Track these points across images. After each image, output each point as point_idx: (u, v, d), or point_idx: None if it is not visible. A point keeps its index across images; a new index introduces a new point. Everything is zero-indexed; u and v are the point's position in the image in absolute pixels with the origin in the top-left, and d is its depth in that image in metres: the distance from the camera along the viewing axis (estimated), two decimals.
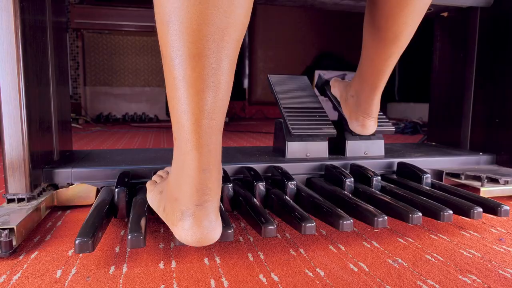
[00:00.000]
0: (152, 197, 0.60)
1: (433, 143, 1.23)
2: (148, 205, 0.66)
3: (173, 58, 0.43)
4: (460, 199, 0.69)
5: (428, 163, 0.95)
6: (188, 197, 0.47)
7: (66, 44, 0.96)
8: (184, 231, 0.48)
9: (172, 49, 0.43)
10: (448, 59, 1.18)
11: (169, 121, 3.18)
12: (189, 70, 0.43)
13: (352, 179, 0.78)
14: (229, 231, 0.53)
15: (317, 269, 0.52)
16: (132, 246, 0.51)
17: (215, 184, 0.49)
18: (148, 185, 0.64)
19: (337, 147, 0.96)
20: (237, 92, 3.70)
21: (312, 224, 0.56)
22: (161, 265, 0.53)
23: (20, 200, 0.69)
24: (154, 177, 0.67)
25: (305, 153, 0.90)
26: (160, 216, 0.56)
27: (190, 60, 0.43)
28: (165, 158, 0.90)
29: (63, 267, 0.52)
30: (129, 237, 0.51)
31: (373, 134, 0.94)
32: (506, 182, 0.87)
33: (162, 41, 0.45)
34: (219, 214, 0.50)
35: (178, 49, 0.43)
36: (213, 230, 0.49)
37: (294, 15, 3.59)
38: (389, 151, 1.02)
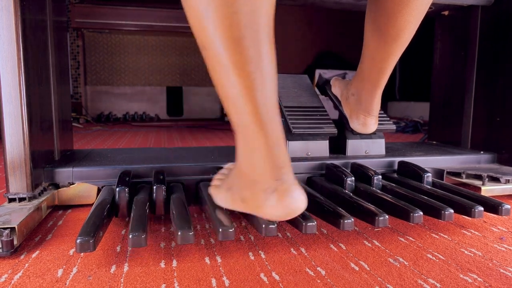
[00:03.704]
0: (222, 197, 0.60)
1: (434, 142, 1.23)
2: (149, 204, 0.66)
3: (217, 48, 0.46)
4: (461, 198, 0.69)
5: (429, 162, 0.95)
6: (267, 175, 0.49)
7: (66, 44, 0.96)
8: (272, 207, 0.49)
9: (214, 38, 0.45)
10: (448, 57, 1.18)
11: (169, 120, 3.19)
12: (235, 55, 0.45)
13: (353, 178, 0.78)
14: (230, 230, 0.53)
15: (318, 268, 0.52)
16: (133, 245, 0.51)
17: (287, 157, 0.51)
18: (212, 190, 0.64)
19: (338, 146, 0.96)
20: None
21: (313, 223, 0.56)
22: (162, 264, 0.53)
23: (21, 199, 0.69)
24: (214, 182, 0.66)
25: (305, 152, 0.90)
26: (238, 209, 0.57)
27: (234, 45, 0.45)
28: (166, 157, 0.90)
29: (64, 266, 0.52)
30: (130, 236, 0.51)
31: (374, 133, 0.94)
32: (507, 181, 0.87)
33: (201, 35, 0.47)
34: (298, 183, 0.51)
35: (220, 37, 0.45)
36: (299, 198, 0.50)
37: (294, 14, 3.59)
38: (390, 150, 1.02)
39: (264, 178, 0.50)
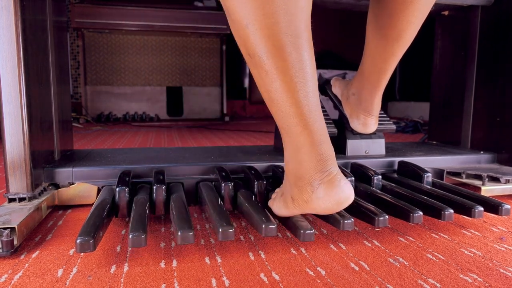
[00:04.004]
0: (278, 206, 0.61)
1: (434, 142, 1.23)
2: (149, 204, 0.66)
3: (261, 55, 0.49)
4: (461, 198, 0.69)
5: (429, 162, 0.95)
6: (312, 168, 0.52)
7: (66, 44, 0.96)
8: (320, 199, 0.51)
9: (258, 47, 0.49)
10: (448, 57, 1.18)
11: (169, 120, 3.19)
12: (279, 61, 0.49)
13: (353, 178, 0.78)
14: (230, 230, 0.53)
15: (318, 268, 0.52)
16: (133, 245, 0.51)
17: (332, 151, 0.54)
18: (270, 203, 0.65)
19: (338, 146, 0.96)
20: (238, 91, 3.70)
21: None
22: (162, 264, 0.53)
23: (21, 199, 0.69)
24: (272, 196, 0.67)
25: None
26: (292, 212, 0.57)
27: (277, 52, 0.48)
28: (166, 157, 0.90)
29: (64, 266, 0.52)
30: (130, 236, 0.51)
31: (374, 133, 0.94)
32: (507, 181, 0.87)
33: (246, 44, 0.50)
34: (343, 175, 0.53)
35: (265, 45, 0.49)
36: (346, 188, 0.51)
37: None
38: (390, 150, 1.02)
39: (309, 173, 0.52)
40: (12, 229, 0.57)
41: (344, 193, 0.52)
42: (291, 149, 0.54)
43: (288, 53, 0.49)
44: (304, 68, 0.50)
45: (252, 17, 0.48)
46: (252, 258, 0.56)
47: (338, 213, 0.59)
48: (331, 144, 0.54)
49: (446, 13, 1.18)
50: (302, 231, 0.55)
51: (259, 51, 0.49)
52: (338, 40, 3.67)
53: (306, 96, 0.50)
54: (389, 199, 0.68)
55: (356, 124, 0.90)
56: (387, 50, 0.74)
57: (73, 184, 0.78)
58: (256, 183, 0.71)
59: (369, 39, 0.78)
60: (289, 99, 0.50)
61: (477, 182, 0.88)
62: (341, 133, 0.94)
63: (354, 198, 0.66)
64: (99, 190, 0.78)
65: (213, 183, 0.78)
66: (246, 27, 0.49)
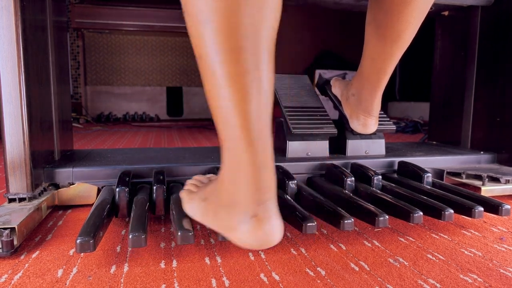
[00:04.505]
0: (194, 207, 0.56)
1: (434, 142, 1.23)
2: (149, 204, 0.66)
3: (213, 57, 0.43)
4: (461, 198, 0.69)
5: (429, 162, 0.95)
6: (248, 197, 0.45)
7: (66, 44, 0.96)
8: (246, 233, 0.45)
9: (211, 47, 0.43)
10: (448, 58, 1.18)
11: (169, 120, 3.19)
12: (232, 66, 0.43)
13: (353, 178, 0.78)
14: None
15: (318, 268, 0.52)
16: (133, 246, 0.51)
17: (272, 182, 0.47)
18: (184, 195, 0.60)
19: (338, 146, 0.96)
20: None
21: (313, 224, 0.56)
22: (162, 265, 0.53)
23: (21, 199, 0.69)
24: (188, 186, 0.63)
25: (306, 152, 0.90)
26: (207, 225, 0.52)
27: (231, 56, 0.43)
28: (166, 157, 0.90)
29: (64, 267, 0.52)
30: (130, 236, 0.51)
31: (374, 133, 0.94)
32: (507, 181, 0.87)
33: (198, 41, 0.44)
34: (279, 213, 0.48)
35: (218, 46, 0.43)
36: (277, 230, 0.46)
37: (294, 14, 3.59)
38: (390, 150, 1.02)
39: (245, 200, 0.46)
40: (12, 229, 0.57)
41: (273, 236, 0.46)
42: (231, 165, 0.47)
43: (243, 59, 0.43)
44: (259, 79, 0.44)
45: (209, 14, 0.42)
46: (252, 258, 0.56)
47: (338, 213, 0.59)
48: (274, 172, 0.48)
49: (446, 13, 1.18)
50: (304, 224, 0.54)
51: (211, 53, 0.43)
52: (338, 40, 3.67)
53: (257, 110, 0.44)
54: (389, 199, 0.68)
55: (356, 125, 0.90)
56: (386, 50, 0.74)
57: (73, 184, 0.78)
58: None
59: (368, 40, 0.78)
60: (237, 108, 0.44)
61: (477, 182, 0.88)
62: (341, 133, 0.94)
63: (354, 198, 0.67)
64: (99, 190, 0.78)
65: None
66: (202, 23, 0.43)
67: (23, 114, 0.69)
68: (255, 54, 0.43)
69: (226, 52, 0.43)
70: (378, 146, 0.96)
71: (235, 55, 0.43)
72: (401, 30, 0.70)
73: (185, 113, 3.33)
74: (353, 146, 0.94)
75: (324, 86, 1.05)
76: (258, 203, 0.45)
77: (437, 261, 0.55)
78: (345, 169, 0.81)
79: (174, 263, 0.54)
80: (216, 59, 0.43)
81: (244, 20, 0.42)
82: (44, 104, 0.79)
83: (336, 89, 0.99)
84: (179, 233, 0.51)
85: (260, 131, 0.45)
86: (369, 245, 0.61)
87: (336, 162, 0.87)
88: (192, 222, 0.55)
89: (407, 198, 0.70)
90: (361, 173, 0.83)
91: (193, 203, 0.56)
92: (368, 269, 0.52)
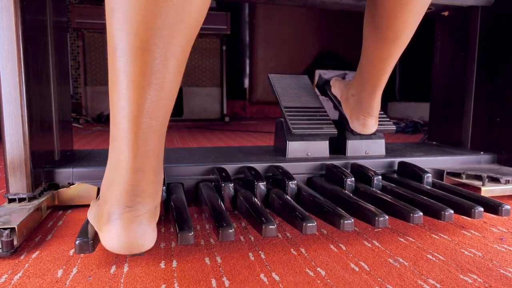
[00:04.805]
0: (93, 211, 0.53)
1: (434, 143, 1.23)
2: None
3: (116, 49, 0.40)
4: (461, 199, 0.69)
5: (429, 162, 0.95)
6: (117, 198, 0.43)
7: (66, 44, 0.96)
8: (110, 235, 0.43)
9: (115, 39, 0.40)
10: (448, 58, 1.18)
11: (169, 121, 3.19)
12: (131, 64, 0.40)
13: (353, 178, 0.78)
14: (230, 230, 0.53)
15: (318, 269, 0.52)
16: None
17: (149, 186, 0.45)
18: (92, 202, 0.58)
19: (338, 146, 0.96)
20: (238, 91, 3.70)
21: (313, 224, 0.56)
22: (162, 265, 0.53)
23: (21, 199, 0.69)
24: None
25: (305, 152, 0.90)
26: (94, 226, 0.50)
27: (133, 53, 0.40)
28: (166, 157, 0.90)
29: (64, 267, 0.52)
30: None
31: (374, 134, 0.94)
32: (507, 182, 0.87)
33: (107, 29, 0.41)
34: (153, 219, 0.45)
35: (121, 40, 0.40)
36: (143, 235, 0.43)
37: (294, 14, 3.59)
38: (390, 151, 1.02)
39: (113, 199, 0.43)
40: (12, 229, 0.57)
41: (135, 241, 0.42)
42: (110, 164, 0.46)
43: (151, 59, 0.40)
44: (159, 85, 0.41)
45: (123, 1, 0.38)
46: (252, 258, 0.56)
47: (338, 213, 0.59)
48: (157, 179, 0.46)
49: (446, 13, 1.18)
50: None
51: (116, 44, 0.40)
52: (338, 40, 3.67)
53: (149, 119, 0.42)
54: (389, 199, 0.68)
55: (356, 125, 0.90)
56: (385, 50, 0.74)
57: (73, 184, 0.78)
58: (256, 183, 0.71)
59: (366, 40, 0.78)
60: (125, 110, 0.41)
61: (477, 183, 0.88)
62: (341, 133, 0.94)
63: (354, 198, 0.67)
64: (99, 190, 0.78)
65: (213, 183, 0.78)
66: (112, 11, 0.39)
67: (23, 114, 0.69)
68: (160, 59, 0.41)
69: (129, 48, 0.40)
70: (378, 146, 0.96)
71: (138, 55, 0.40)
72: (399, 31, 0.70)
73: (185, 113, 3.33)
74: (353, 147, 0.94)
75: (324, 86, 1.05)
76: (126, 205, 0.43)
77: (437, 261, 0.55)
78: (345, 169, 0.81)
79: (174, 263, 0.54)
80: (119, 52, 0.40)
81: (156, 20, 0.39)
82: (44, 104, 0.79)
83: (336, 89, 1.00)
84: (179, 234, 0.51)
85: (147, 137, 0.43)
86: (369, 245, 0.61)
87: (336, 162, 0.87)
88: (192, 222, 0.55)
89: (407, 199, 0.70)
90: (361, 174, 0.83)
91: (93, 207, 0.54)
92: (368, 269, 0.52)
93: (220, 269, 0.52)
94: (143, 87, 0.41)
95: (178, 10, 0.40)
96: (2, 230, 0.56)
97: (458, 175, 0.93)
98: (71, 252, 0.57)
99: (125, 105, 0.42)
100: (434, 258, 0.56)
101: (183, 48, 0.43)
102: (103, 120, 3.06)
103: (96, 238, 0.51)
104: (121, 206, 0.43)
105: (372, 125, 0.88)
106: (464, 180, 0.91)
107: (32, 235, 0.64)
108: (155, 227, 0.45)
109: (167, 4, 0.39)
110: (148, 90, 0.41)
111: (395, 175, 0.89)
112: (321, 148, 0.91)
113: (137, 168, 0.44)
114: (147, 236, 0.44)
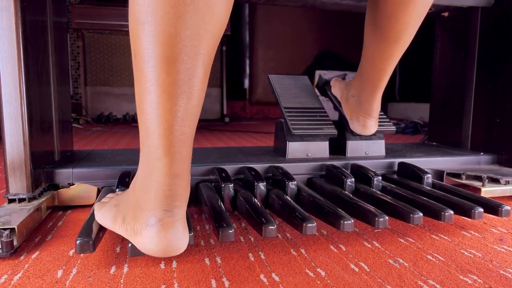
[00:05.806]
0: (105, 212, 0.55)
1: (434, 143, 1.23)
2: None
3: (147, 61, 0.42)
4: (461, 199, 0.69)
5: (429, 163, 0.95)
6: (156, 202, 0.46)
7: (66, 44, 0.96)
8: (149, 238, 0.45)
9: (146, 51, 0.42)
10: (448, 58, 1.18)
11: None
12: (163, 74, 0.42)
13: (353, 179, 0.78)
14: (230, 231, 0.53)
15: (318, 269, 0.52)
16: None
17: (185, 190, 0.47)
18: (97, 205, 0.58)
19: (338, 147, 0.96)
20: (238, 92, 3.70)
21: (313, 224, 0.56)
22: (162, 265, 0.53)
23: (21, 200, 0.69)
24: (104, 199, 0.61)
25: (305, 153, 0.90)
26: (115, 230, 0.52)
27: (165, 64, 0.42)
28: None
29: (64, 267, 0.52)
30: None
31: (374, 134, 0.94)
32: (507, 182, 0.87)
33: (135, 42, 0.43)
34: (186, 222, 0.48)
35: (153, 52, 0.41)
36: (180, 239, 0.46)
37: (294, 15, 3.59)
38: (390, 151, 1.02)
39: (153, 204, 0.46)
40: (12, 229, 0.57)
41: (174, 243, 0.46)
42: (143, 173, 0.47)
43: (183, 69, 0.42)
44: (190, 93, 0.43)
45: (151, 16, 0.40)
46: (252, 259, 0.56)
47: (338, 214, 0.59)
48: (188, 182, 0.48)
49: (446, 14, 1.18)
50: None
51: (147, 56, 0.42)
52: (338, 40, 3.67)
53: (181, 124, 0.44)
54: (389, 200, 0.68)
55: (356, 126, 0.90)
56: (386, 51, 0.74)
57: (73, 184, 0.78)
58: (256, 184, 0.71)
59: (367, 41, 0.78)
60: (160, 119, 0.43)
61: (477, 183, 0.88)
62: (341, 134, 0.94)
63: (354, 199, 0.67)
64: (99, 191, 0.78)
65: (213, 184, 0.78)
66: (142, 24, 0.41)
67: (23, 114, 0.69)
68: (191, 68, 0.43)
69: (161, 59, 0.41)
70: (378, 147, 0.96)
71: (170, 65, 0.42)
72: (400, 31, 0.70)
73: None
74: (353, 147, 0.94)
75: (324, 87, 1.05)
76: (166, 209, 0.46)
77: (437, 262, 0.55)
78: (345, 170, 0.81)
79: (174, 264, 0.54)
80: (150, 64, 0.42)
81: (186, 32, 0.41)
82: (44, 104, 0.79)
83: (336, 89, 1.00)
84: None
85: (182, 143, 0.45)
86: (369, 246, 0.61)
87: (336, 163, 0.87)
88: (192, 222, 0.55)
89: (407, 199, 0.70)
90: (361, 174, 0.83)
91: (104, 210, 0.55)
92: (368, 270, 0.52)
93: (220, 269, 0.52)
94: (176, 96, 0.43)
95: (206, 21, 0.42)
96: (2, 231, 0.56)
97: (458, 175, 0.93)
98: (71, 252, 0.57)
99: (159, 114, 0.43)
100: (434, 259, 0.56)
101: (209, 56, 0.45)
102: (103, 120, 3.06)
103: (96, 238, 0.51)
104: (160, 210, 0.45)
105: (372, 126, 0.88)
106: (464, 181, 0.91)
107: (32, 236, 0.64)
108: (187, 230, 0.48)
109: (196, 15, 0.41)
110: (181, 98, 0.43)
111: (395, 176, 0.89)
112: (321, 148, 0.91)
113: (175, 174, 0.46)
114: (184, 239, 0.47)
